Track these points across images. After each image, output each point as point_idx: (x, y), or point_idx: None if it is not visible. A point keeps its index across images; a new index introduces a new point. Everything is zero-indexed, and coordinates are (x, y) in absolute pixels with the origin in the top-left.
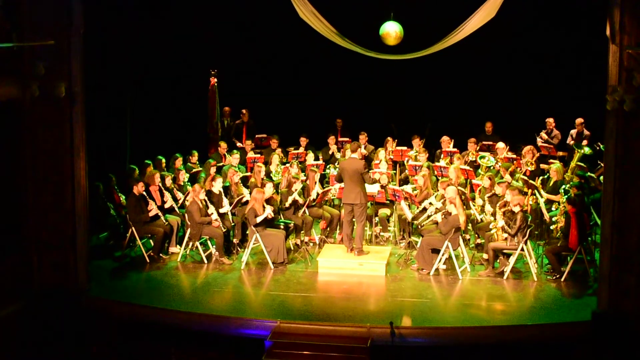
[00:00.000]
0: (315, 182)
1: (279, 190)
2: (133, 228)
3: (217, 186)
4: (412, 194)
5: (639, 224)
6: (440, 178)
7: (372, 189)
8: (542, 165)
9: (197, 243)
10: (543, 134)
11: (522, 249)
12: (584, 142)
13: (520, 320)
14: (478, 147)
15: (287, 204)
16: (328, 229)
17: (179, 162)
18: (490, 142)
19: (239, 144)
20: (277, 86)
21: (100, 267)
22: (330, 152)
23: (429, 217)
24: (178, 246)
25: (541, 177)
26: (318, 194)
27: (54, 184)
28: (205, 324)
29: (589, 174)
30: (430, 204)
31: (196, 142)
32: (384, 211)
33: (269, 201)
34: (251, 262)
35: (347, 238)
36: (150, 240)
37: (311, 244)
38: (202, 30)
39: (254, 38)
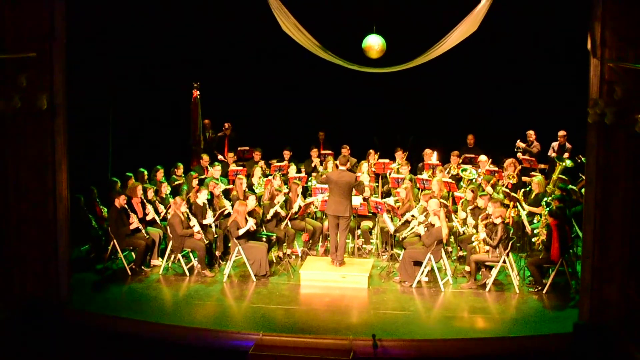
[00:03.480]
0: (298, 195)
1: (262, 203)
2: (114, 240)
3: (202, 198)
4: (394, 206)
5: (619, 236)
6: (422, 190)
7: (354, 201)
8: (524, 178)
9: (179, 255)
10: (520, 143)
11: (504, 261)
12: (566, 155)
13: (502, 333)
14: (460, 160)
15: (269, 217)
16: (310, 241)
17: (160, 175)
18: (473, 155)
19: (220, 157)
20: (260, 99)
21: (81, 280)
22: (312, 165)
23: (411, 229)
24: (160, 259)
25: (523, 190)
26: (300, 207)
27: (35, 195)
28: (188, 336)
29: (570, 186)
30: (413, 216)
31: (178, 155)
32: (366, 224)
33: (251, 214)
34: (233, 275)
35: (335, 249)
36: (132, 253)
37: (293, 257)
38: (184, 42)
39: (236, 50)
